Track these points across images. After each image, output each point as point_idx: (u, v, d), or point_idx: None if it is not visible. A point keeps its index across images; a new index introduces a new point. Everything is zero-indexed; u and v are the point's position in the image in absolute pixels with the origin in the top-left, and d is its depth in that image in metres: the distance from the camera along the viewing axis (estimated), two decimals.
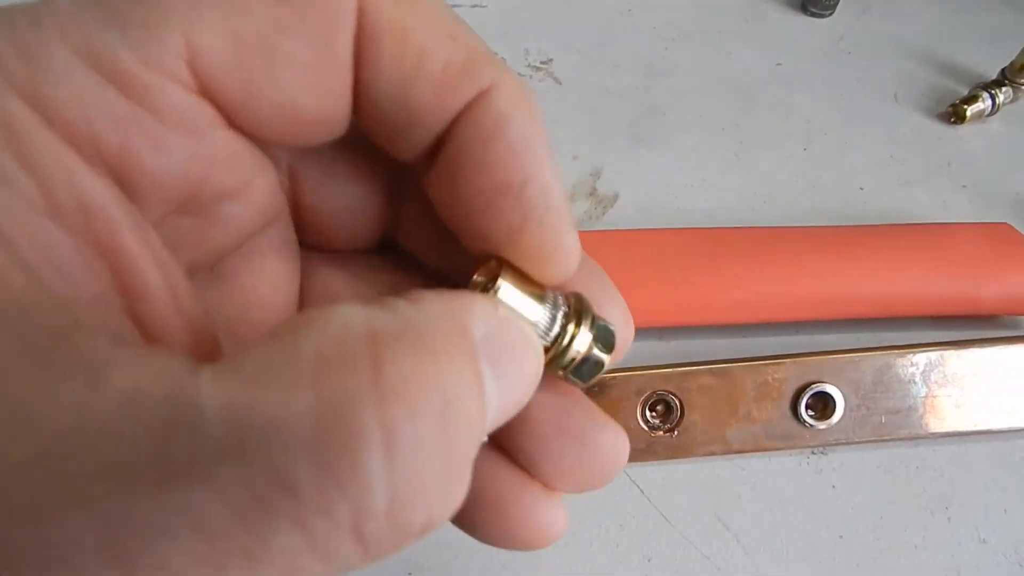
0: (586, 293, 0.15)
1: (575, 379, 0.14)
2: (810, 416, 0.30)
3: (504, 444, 0.15)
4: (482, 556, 0.29)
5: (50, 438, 0.09)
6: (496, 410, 0.12)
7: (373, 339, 0.10)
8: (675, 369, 0.30)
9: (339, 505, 0.09)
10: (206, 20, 0.11)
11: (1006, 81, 0.46)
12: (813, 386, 0.30)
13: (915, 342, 0.31)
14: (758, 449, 0.31)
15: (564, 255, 0.13)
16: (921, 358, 0.31)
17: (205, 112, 0.12)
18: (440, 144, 0.13)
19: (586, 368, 0.14)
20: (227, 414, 0.09)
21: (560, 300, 0.14)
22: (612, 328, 0.14)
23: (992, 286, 0.34)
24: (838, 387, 0.30)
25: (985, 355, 0.31)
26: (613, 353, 0.14)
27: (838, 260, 0.35)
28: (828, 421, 0.30)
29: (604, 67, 0.49)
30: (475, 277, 0.14)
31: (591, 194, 0.42)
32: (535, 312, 0.13)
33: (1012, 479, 0.31)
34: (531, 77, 0.48)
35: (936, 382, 0.31)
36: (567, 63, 0.49)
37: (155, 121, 0.12)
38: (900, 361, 0.31)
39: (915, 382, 0.31)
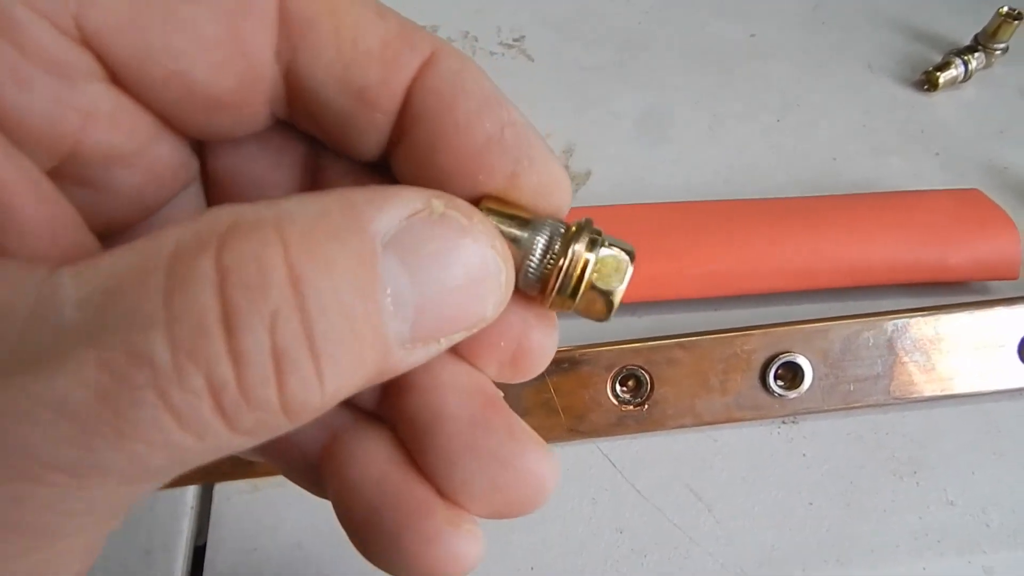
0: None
1: (586, 312, 0.13)
2: (779, 386, 0.31)
3: (415, 455, 0.14)
4: None
5: None
6: (418, 310, 0.11)
7: (232, 225, 0.10)
8: (644, 343, 0.30)
9: (194, 376, 0.09)
10: None
11: (979, 47, 0.46)
12: (782, 356, 0.30)
13: (883, 310, 0.31)
14: (729, 420, 0.31)
15: (561, 183, 0.13)
16: (888, 325, 0.31)
17: (82, 60, 0.12)
18: (399, 128, 0.13)
19: (597, 298, 0.13)
20: (84, 303, 0.09)
21: (557, 223, 0.13)
22: (627, 248, 0.13)
23: (962, 252, 0.35)
24: (806, 356, 0.31)
25: (951, 320, 0.31)
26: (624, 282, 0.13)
27: (808, 230, 0.35)
28: (797, 390, 0.31)
29: (577, 43, 0.48)
30: None
31: None
32: (525, 230, 0.13)
33: (979, 442, 0.31)
34: (503, 55, 0.48)
35: (904, 349, 0.31)
36: (540, 40, 0.49)
37: (19, 56, 0.11)
38: (868, 329, 0.31)
39: (883, 349, 0.31)
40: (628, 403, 0.30)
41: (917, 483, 0.31)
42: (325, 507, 0.30)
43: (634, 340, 0.30)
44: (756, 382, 0.31)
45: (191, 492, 0.30)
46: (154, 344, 0.09)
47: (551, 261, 0.13)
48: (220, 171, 0.15)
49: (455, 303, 0.11)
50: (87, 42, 0.12)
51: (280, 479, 0.30)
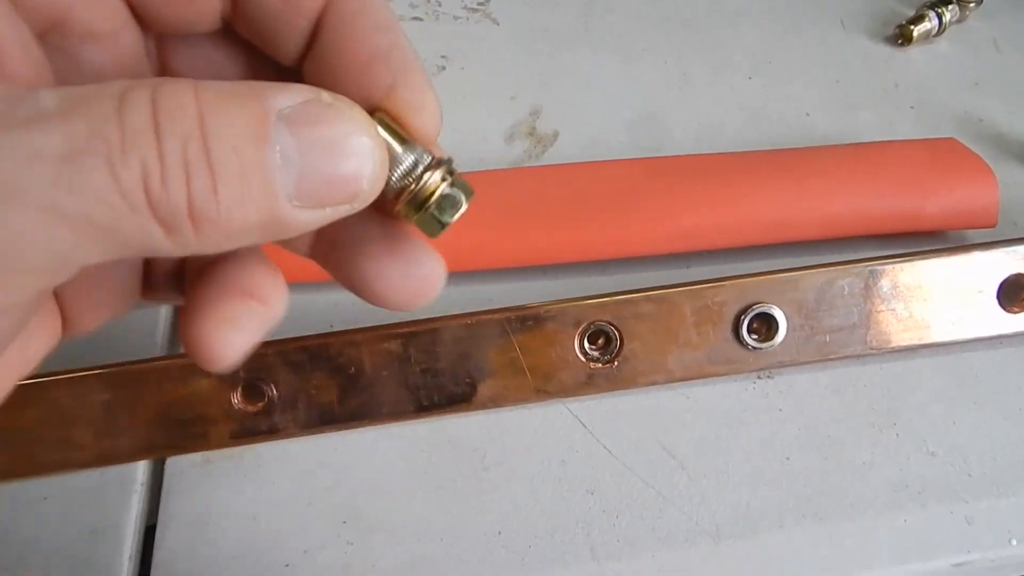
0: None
1: (422, 228, 0.16)
2: (753, 339, 0.30)
3: (344, 268, 0.18)
4: (419, 503, 0.28)
5: None
6: (301, 171, 0.13)
7: (161, 81, 0.13)
8: (611, 297, 0.29)
9: (133, 158, 0.12)
10: None
11: (953, 0, 0.45)
12: (754, 307, 0.29)
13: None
14: (701, 375, 0.30)
15: (432, 106, 0.16)
16: (863, 273, 0.30)
17: None
18: (313, 36, 0.16)
19: (444, 203, 0.16)
20: (58, 98, 0.12)
21: (426, 151, 0.16)
22: (469, 188, 0.16)
23: (938, 200, 0.34)
24: (780, 307, 0.30)
25: (927, 267, 0.30)
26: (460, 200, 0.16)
27: (781, 182, 0.34)
28: (771, 343, 0.30)
29: (542, 6, 0.47)
30: None
31: (530, 133, 0.40)
32: (401, 146, 0.15)
33: (958, 391, 0.31)
34: (468, 19, 0.46)
35: (879, 297, 0.30)
36: (504, 3, 0.47)
37: None
38: (842, 277, 0.30)
39: (858, 298, 0.30)
40: (597, 361, 0.29)
41: (896, 434, 0.30)
42: (282, 478, 0.29)
43: (601, 295, 0.29)
44: (729, 335, 0.30)
45: (141, 468, 0.29)
46: (110, 130, 0.12)
47: (410, 178, 0.15)
48: (176, 70, 0.18)
49: (333, 172, 0.14)
50: None
51: (233, 451, 0.29)
